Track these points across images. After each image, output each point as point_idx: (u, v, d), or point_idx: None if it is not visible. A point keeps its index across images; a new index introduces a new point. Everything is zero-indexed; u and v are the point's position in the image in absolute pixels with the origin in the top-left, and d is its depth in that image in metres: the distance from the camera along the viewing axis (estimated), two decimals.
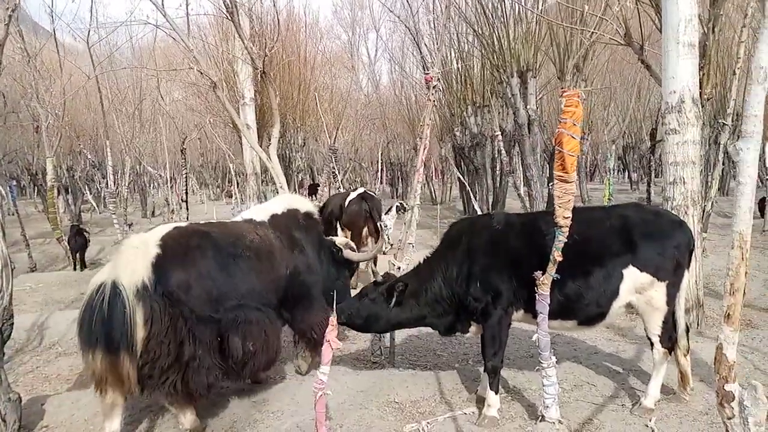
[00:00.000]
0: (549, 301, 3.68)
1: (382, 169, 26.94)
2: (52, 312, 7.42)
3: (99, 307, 3.54)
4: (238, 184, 16.97)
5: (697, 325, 6.04)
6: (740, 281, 2.06)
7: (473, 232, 4.37)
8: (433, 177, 28.03)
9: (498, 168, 15.30)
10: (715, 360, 2.27)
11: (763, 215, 12.84)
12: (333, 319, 2.87)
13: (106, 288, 3.57)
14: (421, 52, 7.13)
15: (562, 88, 3.31)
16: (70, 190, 20.83)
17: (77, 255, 11.03)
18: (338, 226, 8.64)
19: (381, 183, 27.04)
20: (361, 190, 9.09)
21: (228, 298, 3.98)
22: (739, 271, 2.04)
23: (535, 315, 3.89)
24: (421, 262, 4.53)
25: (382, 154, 25.74)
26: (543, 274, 3.65)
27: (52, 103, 11.78)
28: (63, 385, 5.23)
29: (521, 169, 12.88)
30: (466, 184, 13.81)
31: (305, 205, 5.21)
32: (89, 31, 10.53)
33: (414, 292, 4.28)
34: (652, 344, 4.11)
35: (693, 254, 4.26)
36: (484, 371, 4.27)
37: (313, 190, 14.38)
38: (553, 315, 3.78)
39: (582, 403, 4.36)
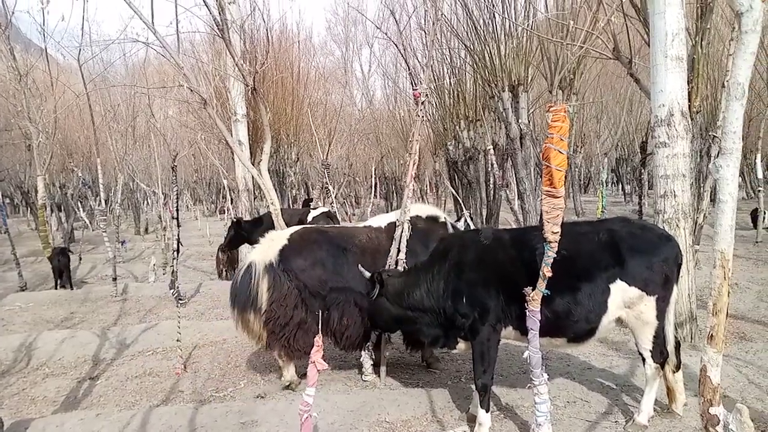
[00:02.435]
0: (538, 317, 3.64)
1: (376, 184, 26.92)
2: (40, 332, 7.32)
3: (239, 280, 5.02)
4: (232, 200, 16.91)
5: (691, 338, 6.00)
6: (723, 301, 2.01)
7: (460, 247, 4.38)
8: (428, 191, 28.01)
9: (491, 182, 15.29)
10: (699, 382, 2.22)
11: (755, 226, 12.86)
12: (318, 339, 2.82)
13: (244, 266, 5.07)
14: (409, 68, 7.12)
15: (549, 103, 3.32)
16: (62, 207, 20.73)
17: (62, 275, 10.90)
18: None
19: (375, 197, 26.99)
20: (324, 208, 9.60)
21: (334, 281, 5.02)
22: (722, 291, 2.00)
23: (523, 332, 3.90)
24: (413, 267, 4.63)
25: (376, 168, 25.73)
26: (533, 290, 3.61)
27: (43, 121, 11.74)
28: (49, 407, 5.15)
29: (515, 182, 12.87)
30: (459, 198, 13.80)
31: (429, 212, 5.73)
32: (80, 49, 10.49)
33: (399, 292, 4.40)
34: (643, 359, 4.07)
35: (681, 268, 4.23)
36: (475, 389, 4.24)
37: (306, 205, 14.33)
38: (541, 332, 3.72)
39: (575, 420, 4.30)
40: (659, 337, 4.01)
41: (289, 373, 5.29)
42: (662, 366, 4.07)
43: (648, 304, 3.94)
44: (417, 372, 5.60)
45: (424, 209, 5.82)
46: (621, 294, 3.93)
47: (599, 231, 4.08)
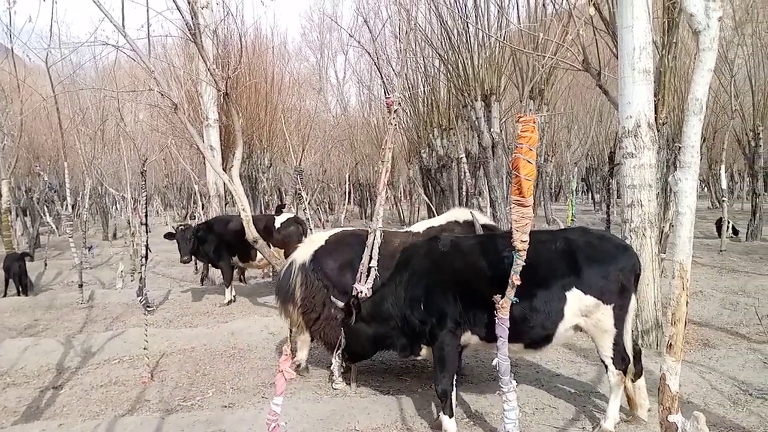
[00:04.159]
0: (507, 325, 3.68)
1: (350, 190, 26.90)
2: (2, 340, 7.12)
3: (282, 275, 5.62)
4: (203, 206, 16.70)
5: (657, 345, 6.11)
6: (682, 311, 2.06)
7: (421, 255, 4.48)
8: (401, 198, 28.10)
9: (464, 190, 15.42)
10: (658, 390, 2.26)
11: (720, 235, 13.18)
12: (287, 348, 2.80)
13: (288, 263, 5.65)
14: (382, 77, 7.18)
15: (518, 114, 3.37)
16: (28, 212, 20.21)
17: (20, 280, 10.58)
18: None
19: (349, 203, 26.97)
20: (290, 214, 9.72)
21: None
22: (680, 301, 2.04)
23: (483, 337, 4.10)
24: (383, 283, 4.72)
25: (350, 175, 25.71)
26: (502, 298, 3.64)
27: (8, 123, 11.46)
28: (9, 418, 4.99)
29: (487, 191, 12.98)
30: (432, 206, 13.87)
31: (467, 217, 5.88)
32: (48, 51, 10.28)
33: (371, 310, 4.51)
34: (606, 367, 4.13)
35: (640, 277, 4.33)
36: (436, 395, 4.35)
37: (279, 212, 14.25)
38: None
39: (543, 426, 4.34)
40: (619, 345, 4.08)
41: (303, 354, 5.70)
42: (625, 372, 4.14)
43: (605, 313, 4.01)
44: (387, 379, 5.59)
45: (462, 214, 6.03)
46: (577, 302, 4.00)
47: (557, 240, 4.15)
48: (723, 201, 13.62)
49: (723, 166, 13.65)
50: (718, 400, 4.73)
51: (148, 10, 6.98)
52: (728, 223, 13.55)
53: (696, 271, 10.49)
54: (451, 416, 4.13)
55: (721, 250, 12.43)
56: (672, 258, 2.20)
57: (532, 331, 4.04)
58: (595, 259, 4.04)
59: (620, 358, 4.08)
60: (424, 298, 4.23)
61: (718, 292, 8.62)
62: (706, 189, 30.45)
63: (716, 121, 18.73)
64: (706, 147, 20.76)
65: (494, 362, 3.73)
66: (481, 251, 4.23)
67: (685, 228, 2.10)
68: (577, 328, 4.15)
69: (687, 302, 2.11)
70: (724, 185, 13.92)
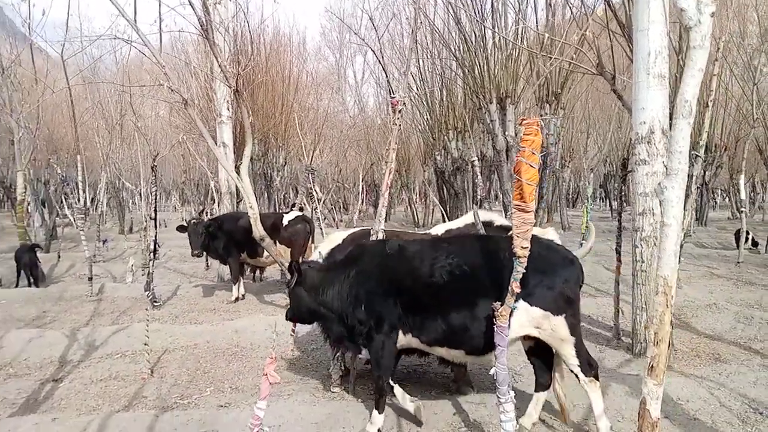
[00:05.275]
0: (507, 333, 3.59)
1: (365, 191, 26.87)
2: (8, 330, 7.16)
3: None
4: (219, 202, 16.76)
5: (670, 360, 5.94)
6: (665, 330, 1.92)
7: (370, 255, 4.50)
8: (416, 200, 28.01)
9: (478, 192, 15.34)
10: (638, 415, 2.13)
11: (738, 247, 12.89)
12: (272, 351, 2.73)
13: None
14: (387, 76, 7.15)
15: (522, 117, 3.30)
16: (46, 203, 20.44)
17: (30, 272, 10.66)
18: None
19: (362, 204, 26.91)
20: (297, 212, 9.76)
21: None
22: (664, 320, 1.91)
23: (424, 341, 4.17)
24: (332, 264, 4.72)
25: (365, 175, 25.68)
26: (501, 305, 3.55)
27: (25, 115, 11.58)
28: (6, 410, 4.99)
29: (501, 194, 12.88)
30: (442, 209, 13.80)
31: (488, 218, 5.88)
32: (63, 44, 10.37)
33: (315, 285, 4.49)
34: (576, 376, 4.02)
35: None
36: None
37: (293, 208, 14.29)
38: (439, 342, 3.95)
39: None
40: (581, 352, 4.00)
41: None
42: (596, 378, 4.04)
43: (557, 323, 3.93)
44: None
45: (485, 217, 5.98)
46: (524, 313, 3.91)
47: (505, 249, 3.89)
48: (742, 211, 13.31)
49: (743, 176, 13.36)
50: (727, 419, 4.57)
51: (160, 5, 6.97)
52: (747, 234, 13.25)
53: (711, 283, 10.26)
54: (381, 413, 4.26)
55: (738, 262, 12.15)
56: (656, 272, 2.07)
57: (474, 340, 4.01)
58: (540, 271, 3.92)
59: (587, 365, 3.99)
60: (365, 299, 4.26)
61: (733, 305, 8.39)
62: (727, 199, 29.91)
63: (738, 130, 18.38)
64: (727, 156, 20.38)
65: (491, 371, 3.64)
66: (424, 256, 4.22)
67: (671, 240, 1.97)
68: (528, 338, 4.10)
69: (672, 321, 1.99)
70: (743, 195, 13.63)
